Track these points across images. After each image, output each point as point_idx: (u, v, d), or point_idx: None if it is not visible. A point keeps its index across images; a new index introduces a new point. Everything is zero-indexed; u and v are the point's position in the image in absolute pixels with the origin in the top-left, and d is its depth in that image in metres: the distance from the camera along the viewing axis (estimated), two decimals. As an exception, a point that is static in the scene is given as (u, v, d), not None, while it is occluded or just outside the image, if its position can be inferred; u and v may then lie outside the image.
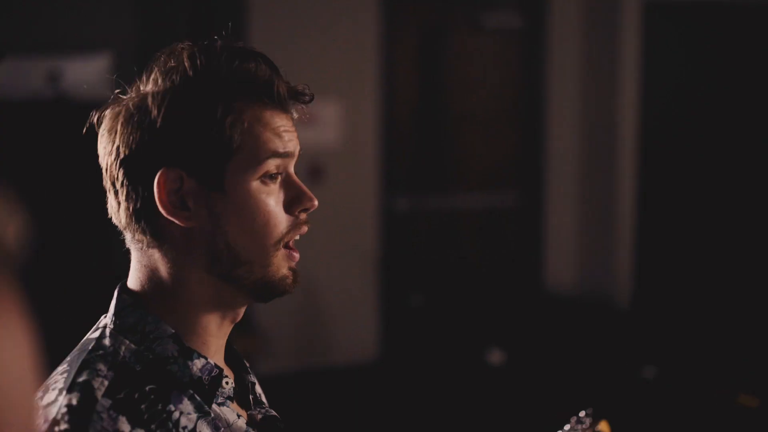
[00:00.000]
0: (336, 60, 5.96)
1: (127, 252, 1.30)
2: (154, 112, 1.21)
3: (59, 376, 1.18)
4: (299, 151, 1.31)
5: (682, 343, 6.19)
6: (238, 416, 1.27)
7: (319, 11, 5.95)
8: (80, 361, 1.19)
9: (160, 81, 1.24)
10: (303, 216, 1.29)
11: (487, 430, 5.13)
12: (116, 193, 1.25)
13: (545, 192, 6.98)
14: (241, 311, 1.32)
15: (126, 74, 1.30)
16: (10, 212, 0.45)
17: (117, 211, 1.26)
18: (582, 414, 1.67)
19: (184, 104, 1.22)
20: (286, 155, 1.27)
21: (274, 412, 1.37)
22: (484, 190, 6.92)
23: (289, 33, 5.77)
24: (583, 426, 1.66)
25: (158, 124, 1.21)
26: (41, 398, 1.16)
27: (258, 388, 1.43)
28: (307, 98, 1.32)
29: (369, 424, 5.23)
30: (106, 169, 1.25)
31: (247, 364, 1.43)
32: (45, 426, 1.11)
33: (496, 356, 6.10)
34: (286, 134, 1.28)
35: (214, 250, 1.24)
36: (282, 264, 1.28)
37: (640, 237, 6.97)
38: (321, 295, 6.09)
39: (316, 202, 1.30)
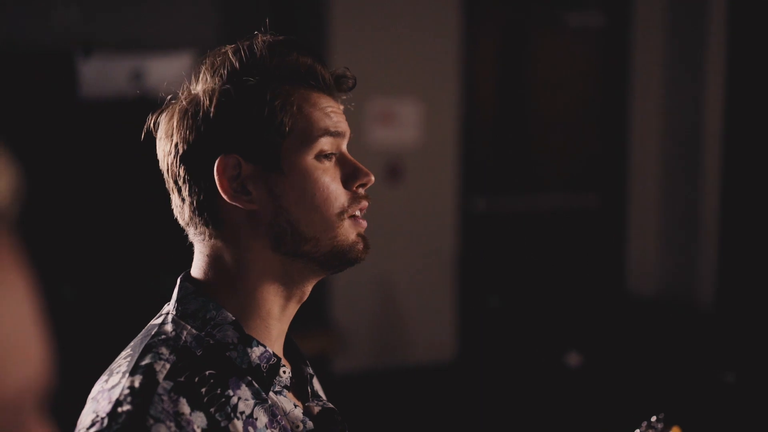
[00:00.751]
0: (416, 59, 5.96)
1: (191, 245, 1.34)
2: (206, 104, 1.27)
3: (123, 360, 1.22)
4: (349, 134, 1.35)
5: (766, 348, 6.07)
6: (295, 406, 1.30)
7: (400, 11, 5.95)
8: (143, 345, 1.23)
9: (209, 78, 1.30)
10: (361, 191, 1.33)
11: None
12: (179, 190, 1.30)
13: (627, 193, 6.90)
14: (308, 289, 1.34)
15: (186, 80, 1.35)
16: (3, 166, 0.45)
17: (181, 208, 1.31)
18: (654, 419, 1.65)
19: (234, 93, 1.27)
20: (338, 134, 1.31)
21: (331, 405, 1.38)
22: (565, 191, 6.86)
23: (369, 32, 5.77)
24: (655, 430, 1.64)
25: (212, 115, 1.26)
26: (106, 381, 1.20)
27: (316, 383, 1.45)
28: (350, 82, 1.37)
29: (445, 425, 5.22)
30: (168, 170, 1.31)
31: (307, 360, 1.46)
32: (109, 407, 1.14)
33: (573, 358, 6.05)
34: (334, 115, 1.32)
35: (278, 230, 1.27)
36: (350, 231, 1.31)
37: (724, 238, 6.86)
38: (398, 295, 6.09)
39: (372, 177, 1.33)
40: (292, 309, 1.34)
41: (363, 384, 5.51)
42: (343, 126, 1.33)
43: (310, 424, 1.30)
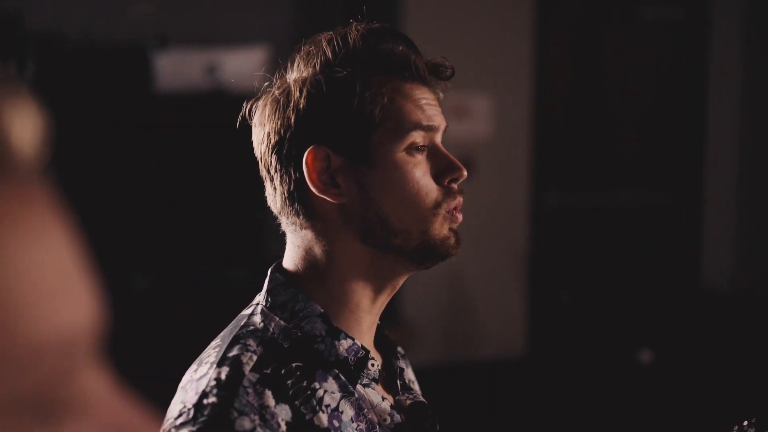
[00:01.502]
0: (489, 53, 5.93)
1: (283, 235, 1.34)
2: (296, 95, 1.26)
3: (211, 351, 1.23)
4: (445, 127, 1.32)
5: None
6: (383, 399, 1.28)
7: (474, 4, 5.93)
8: (232, 336, 1.23)
9: (302, 67, 1.29)
10: (454, 186, 1.30)
11: (632, 429, 5.04)
12: (271, 179, 1.30)
13: (704, 188, 6.80)
14: (400, 282, 1.33)
15: (281, 67, 1.34)
16: (31, 114, 0.45)
17: (273, 197, 1.31)
18: (745, 423, 1.62)
19: (325, 85, 1.26)
20: (430, 128, 1.29)
21: (423, 399, 1.37)
22: (639, 187, 6.79)
23: (442, 26, 5.76)
24: None
25: (302, 106, 1.25)
26: (195, 371, 1.21)
27: (410, 375, 1.44)
28: (448, 72, 1.34)
29: (514, 420, 5.20)
30: (261, 158, 1.31)
31: (401, 351, 1.44)
32: (195, 398, 1.14)
33: (646, 356, 5.98)
34: (428, 107, 1.29)
35: (367, 224, 1.26)
36: (442, 226, 1.28)
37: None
38: (469, 289, 6.07)
39: (465, 172, 1.30)
40: (383, 301, 1.33)
41: (433, 378, 5.50)
42: (438, 119, 1.30)
43: (397, 417, 1.29)
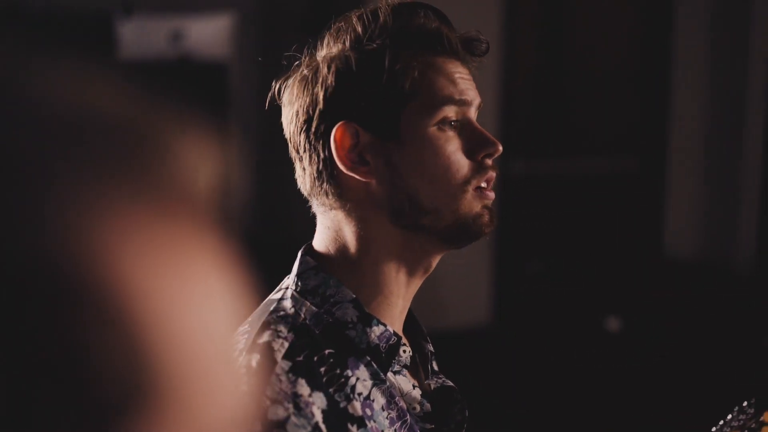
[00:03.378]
0: (454, 19, 5.90)
1: (314, 217, 1.31)
2: (324, 71, 1.23)
3: (240, 337, 1.19)
4: (479, 102, 1.29)
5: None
6: (414, 386, 1.26)
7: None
8: (261, 321, 1.19)
9: (332, 45, 1.26)
10: (488, 161, 1.26)
11: (602, 397, 5.08)
12: (300, 159, 1.27)
13: (668, 156, 6.83)
14: (433, 263, 1.30)
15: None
16: (206, 156, 0.44)
17: (303, 178, 1.28)
18: (745, 404, 1.63)
19: (354, 61, 1.23)
20: (463, 103, 1.25)
21: (450, 383, 1.34)
22: (605, 154, 6.81)
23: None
24: (746, 416, 1.62)
25: (330, 83, 1.22)
26: None
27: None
28: (483, 46, 1.31)
29: (480, 389, 5.22)
30: (290, 139, 1.28)
31: (424, 330, 1.41)
32: None
33: (613, 323, 6.02)
34: (462, 81, 1.26)
35: (397, 203, 1.23)
36: (474, 203, 1.25)
37: (765, 202, 6.78)
38: (436, 258, 6.08)
39: (500, 147, 1.26)
40: (416, 283, 1.30)
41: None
42: (471, 94, 1.26)
43: (427, 406, 1.26)
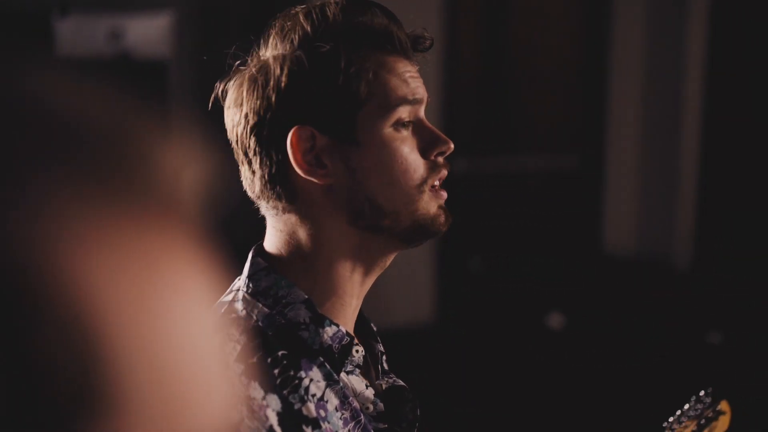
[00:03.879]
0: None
1: (262, 219, 1.29)
2: (277, 72, 1.21)
3: None
4: (428, 99, 1.29)
5: (744, 307, 6.11)
6: (367, 386, 1.26)
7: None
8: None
9: (278, 44, 1.24)
10: (440, 159, 1.27)
11: (545, 393, 5.11)
12: (249, 162, 1.24)
13: (606, 153, 6.91)
14: (388, 261, 1.30)
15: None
16: (187, 158, 0.43)
17: (251, 181, 1.25)
18: (702, 393, 1.65)
19: (307, 61, 1.21)
20: (416, 101, 1.25)
21: (401, 382, 1.34)
22: (545, 151, 6.86)
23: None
24: (703, 406, 1.63)
25: (283, 85, 1.20)
26: None
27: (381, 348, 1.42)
28: (427, 42, 1.31)
29: (424, 386, 5.23)
30: (237, 141, 1.25)
31: (374, 328, 1.42)
32: None
33: (555, 320, 6.07)
34: (412, 80, 1.26)
35: (356, 205, 1.22)
36: (430, 204, 1.25)
37: (701, 198, 6.88)
38: (379, 257, 6.08)
39: (452, 145, 1.27)
40: (370, 282, 1.30)
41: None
42: (421, 91, 1.26)
43: (380, 405, 1.26)
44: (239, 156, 1.26)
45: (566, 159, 6.91)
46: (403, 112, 1.24)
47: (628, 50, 6.81)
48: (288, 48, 1.23)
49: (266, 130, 1.22)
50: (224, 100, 1.27)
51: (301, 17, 1.24)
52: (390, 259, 1.30)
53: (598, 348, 5.68)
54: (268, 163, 1.22)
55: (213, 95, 1.28)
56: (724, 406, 1.66)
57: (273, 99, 1.21)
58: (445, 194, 1.27)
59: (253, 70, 1.23)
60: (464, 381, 5.31)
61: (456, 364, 5.59)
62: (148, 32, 4.86)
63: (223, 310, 1.21)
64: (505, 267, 6.61)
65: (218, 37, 5.49)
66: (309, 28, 1.22)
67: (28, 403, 0.37)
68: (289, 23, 1.24)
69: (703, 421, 1.61)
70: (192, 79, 5.32)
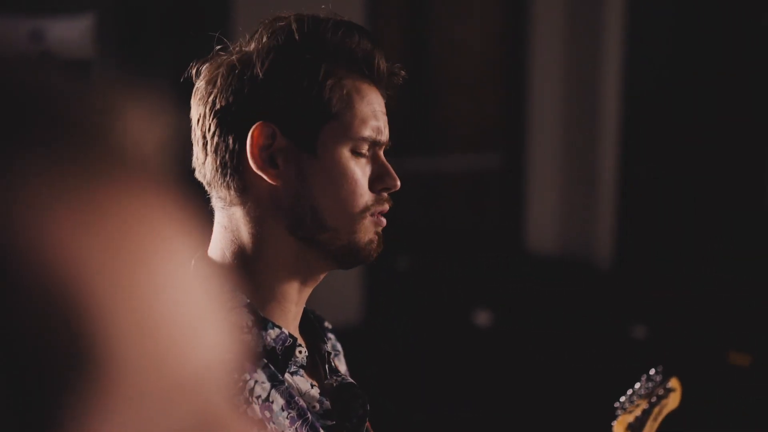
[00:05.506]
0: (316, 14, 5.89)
1: (211, 214, 1.29)
2: (258, 65, 1.23)
3: None
4: (388, 142, 1.33)
5: (664, 305, 6.21)
6: (311, 386, 1.28)
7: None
8: None
9: (264, 39, 1.26)
10: (385, 194, 1.31)
11: (475, 391, 5.15)
12: (205, 144, 1.25)
13: (527, 154, 6.97)
14: (321, 277, 1.32)
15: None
16: (152, 119, 0.44)
17: (203, 163, 1.27)
18: (652, 371, 1.68)
19: (288, 62, 1.23)
20: (377, 143, 1.30)
21: (350, 380, 1.36)
22: (468, 152, 6.90)
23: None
24: (654, 384, 1.67)
25: (259, 78, 1.22)
26: None
27: (338, 347, 1.47)
28: (400, 80, 1.36)
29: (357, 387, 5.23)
30: (198, 120, 1.26)
31: (328, 326, 1.46)
32: None
33: (482, 317, 6.11)
34: (381, 117, 1.30)
35: (299, 212, 1.24)
36: (369, 230, 1.29)
37: (622, 197, 6.98)
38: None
39: (398, 184, 1.31)
40: (307, 292, 1.31)
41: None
42: (385, 134, 1.31)
43: (326, 404, 1.28)
44: (196, 135, 1.27)
45: (488, 158, 6.96)
46: (364, 144, 1.27)
47: (547, 49, 6.89)
48: (272, 45, 1.25)
49: (230, 117, 1.23)
50: (197, 78, 1.28)
51: (293, 22, 1.27)
52: (321, 277, 1.32)
53: (527, 343, 5.73)
54: (223, 149, 1.24)
55: (186, 72, 1.29)
56: (674, 383, 1.70)
57: (246, 89, 1.23)
58: (384, 221, 1.31)
59: (234, 57, 1.25)
60: (394, 380, 5.33)
61: (385, 363, 5.60)
62: (68, 34, 4.80)
63: None
64: (432, 266, 6.64)
65: (139, 37, 5.44)
66: (297, 34, 1.25)
67: (16, 376, 0.37)
68: (279, 24, 1.27)
69: (654, 399, 1.64)
70: (113, 78, 5.25)
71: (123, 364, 0.40)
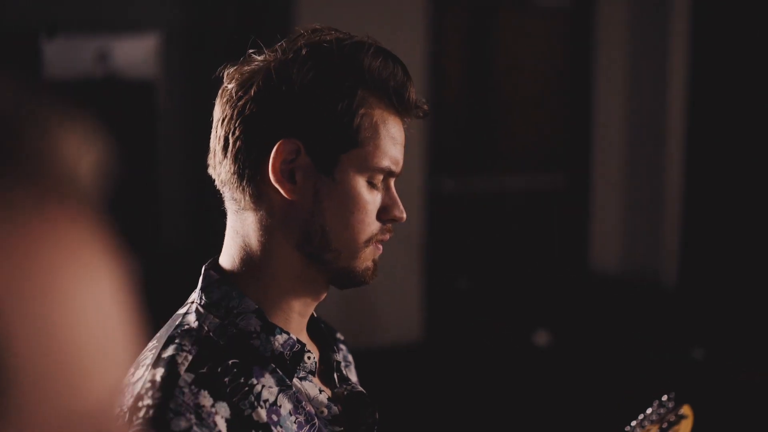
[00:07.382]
0: (383, 40, 5.92)
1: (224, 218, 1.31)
2: (296, 80, 1.23)
3: (148, 353, 1.22)
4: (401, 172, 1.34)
5: (729, 324, 6.13)
6: (320, 391, 1.29)
7: (366, -9, 5.93)
8: (167, 336, 1.22)
9: (304, 52, 1.25)
10: (389, 225, 1.32)
11: (533, 412, 5.12)
12: (226, 146, 1.26)
13: (592, 172, 6.93)
14: (323, 293, 1.33)
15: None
16: (87, 144, 0.44)
17: (221, 162, 1.27)
18: (665, 398, 1.66)
19: (326, 82, 1.24)
20: (393, 174, 1.31)
21: (360, 389, 1.38)
22: (531, 171, 6.88)
23: (336, 13, 5.75)
24: (666, 410, 1.65)
25: (295, 93, 1.23)
26: (132, 374, 1.19)
27: (350, 358, 1.48)
28: (422, 114, 1.35)
29: (413, 406, 5.23)
30: (223, 120, 1.27)
31: (340, 338, 1.46)
32: (130, 401, 1.13)
33: (542, 338, 6.08)
34: (401, 150, 1.31)
35: (309, 230, 1.26)
36: (368, 258, 1.31)
37: (687, 217, 6.91)
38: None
39: (404, 216, 1.32)
40: (312, 305, 1.33)
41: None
42: (401, 165, 1.31)
43: (335, 409, 1.30)
44: (217, 134, 1.27)
45: (552, 178, 6.94)
46: (381, 175, 1.28)
47: (612, 70, 6.85)
48: (312, 64, 1.25)
49: (258, 126, 1.24)
50: (226, 78, 1.28)
51: (335, 39, 1.27)
52: (323, 295, 1.34)
53: (585, 365, 5.68)
54: (244, 155, 1.24)
55: (218, 72, 1.29)
56: (686, 410, 1.67)
57: (279, 101, 1.23)
58: (381, 248, 1.33)
59: (272, 65, 1.25)
60: (453, 399, 5.32)
61: (444, 382, 5.59)
62: (135, 53, 4.87)
63: (177, 323, 1.25)
64: (493, 285, 6.62)
65: (204, 56, 5.49)
66: (337, 54, 1.26)
67: None
68: (319, 38, 1.27)
69: (665, 425, 1.62)
70: (178, 98, 5.32)
71: (26, 391, 0.39)
